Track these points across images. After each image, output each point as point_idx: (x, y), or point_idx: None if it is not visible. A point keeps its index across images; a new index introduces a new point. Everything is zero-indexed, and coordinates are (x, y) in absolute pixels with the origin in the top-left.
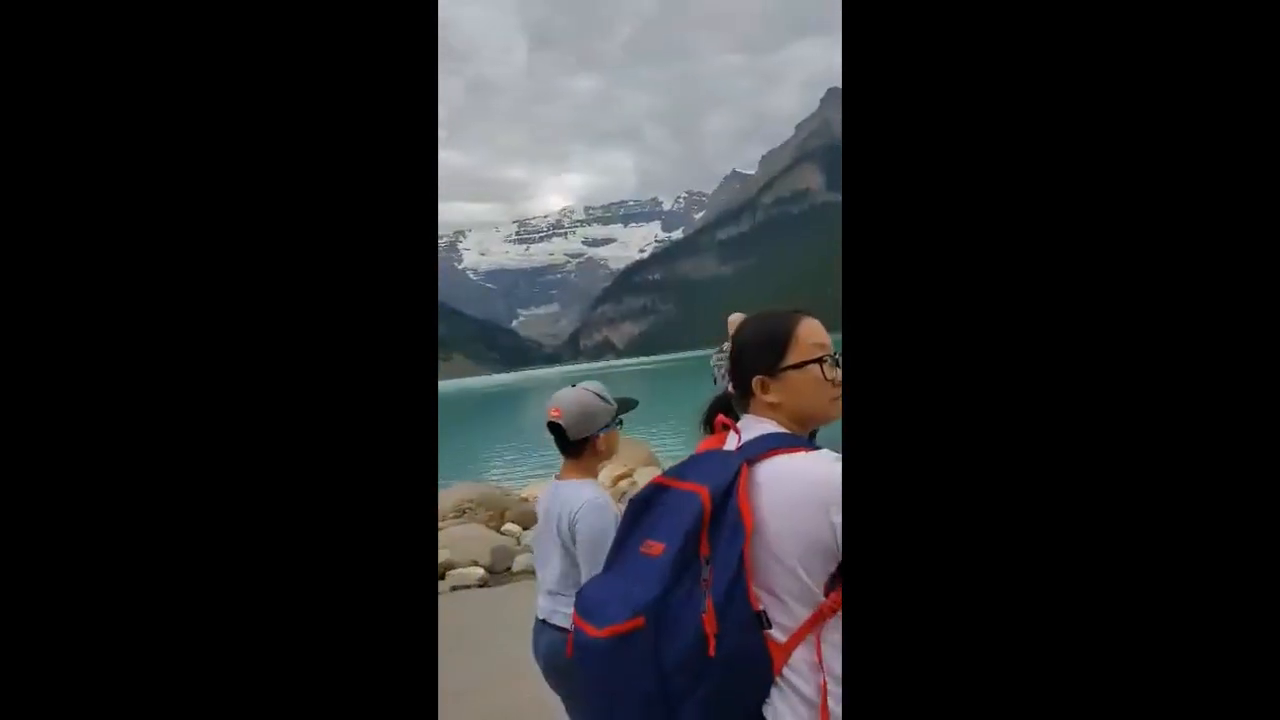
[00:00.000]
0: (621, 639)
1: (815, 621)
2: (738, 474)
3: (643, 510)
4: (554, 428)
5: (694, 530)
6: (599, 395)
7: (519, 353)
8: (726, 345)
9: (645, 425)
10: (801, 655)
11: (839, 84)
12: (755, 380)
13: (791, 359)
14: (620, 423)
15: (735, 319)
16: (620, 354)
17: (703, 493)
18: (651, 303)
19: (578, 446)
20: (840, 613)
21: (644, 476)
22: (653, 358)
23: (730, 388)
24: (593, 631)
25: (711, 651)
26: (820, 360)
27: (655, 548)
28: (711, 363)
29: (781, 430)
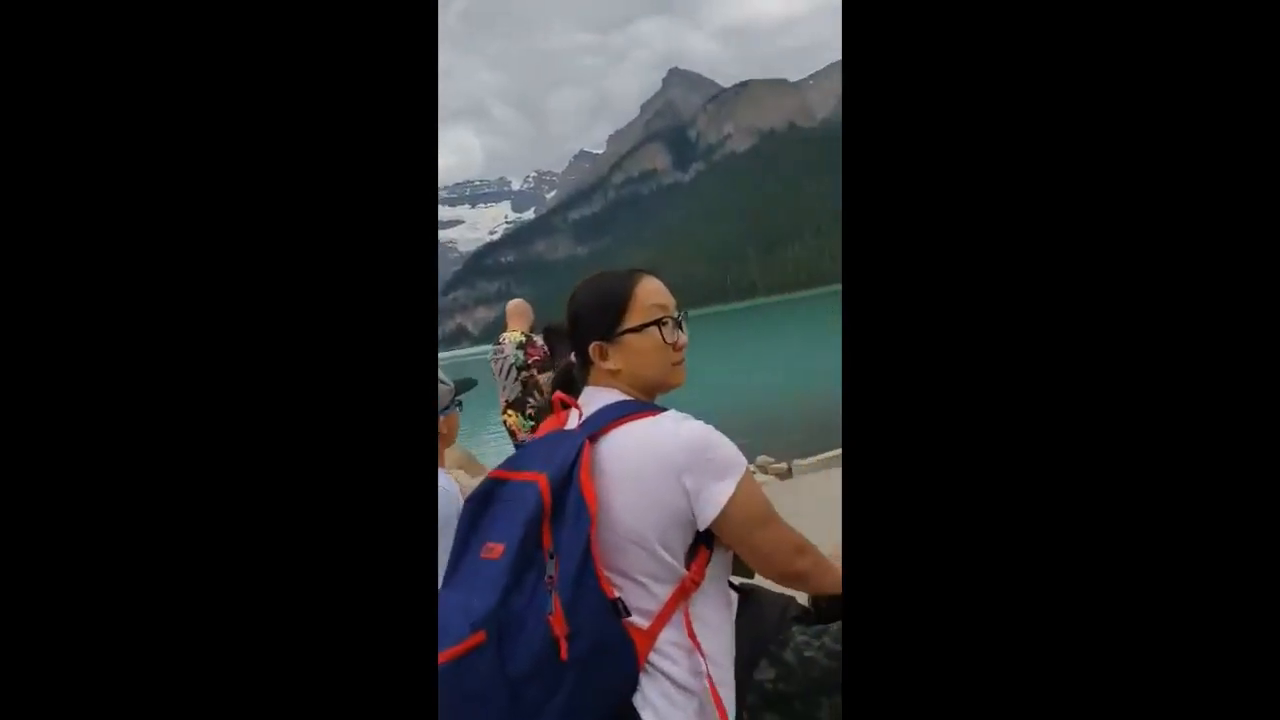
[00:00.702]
0: (461, 661)
1: (679, 598)
2: (579, 454)
3: (481, 509)
4: None
5: (534, 523)
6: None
7: None
8: (505, 337)
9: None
10: (669, 637)
11: (682, 64)
12: (593, 346)
13: (630, 322)
14: (460, 404)
15: (516, 306)
16: (476, 340)
17: (541, 480)
18: (506, 286)
19: None
20: (704, 585)
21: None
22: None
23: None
24: (440, 657)
25: (564, 655)
26: (660, 322)
27: (495, 550)
28: (489, 359)
29: (624, 398)
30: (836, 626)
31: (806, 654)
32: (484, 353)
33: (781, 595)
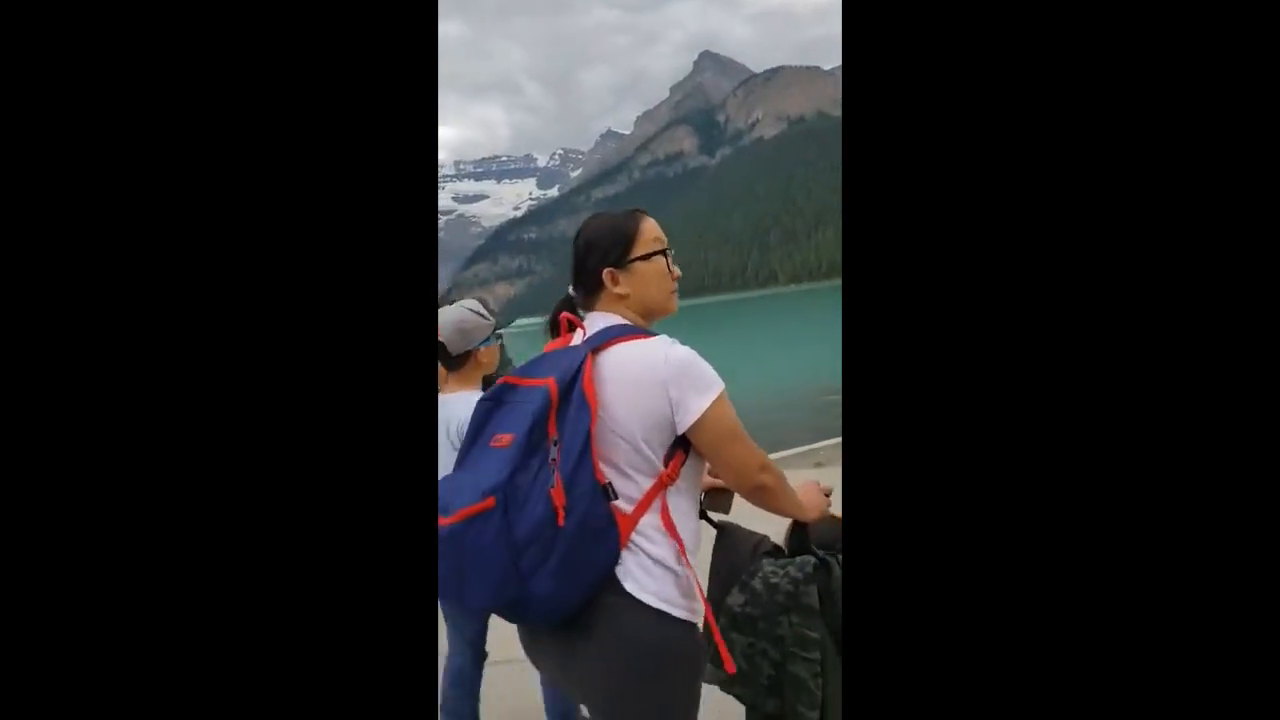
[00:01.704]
0: (472, 520)
1: (657, 490)
2: (583, 363)
3: (493, 409)
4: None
5: (542, 416)
6: (476, 312)
7: None
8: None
9: None
10: (649, 521)
11: (713, 47)
12: (606, 273)
13: (638, 251)
14: (499, 336)
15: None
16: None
17: (550, 383)
18: (527, 262)
19: (460, 360)
20: (679, 483)
21: None
22: (529, 320)
23: (571, 290)
24: (444, 521)
25: (561, 522)
26: (664, 252)
27: (504, 439)
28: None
29: (625, 322)
30: (801, 559)
31: (772, 581)
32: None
33: (753, 533)
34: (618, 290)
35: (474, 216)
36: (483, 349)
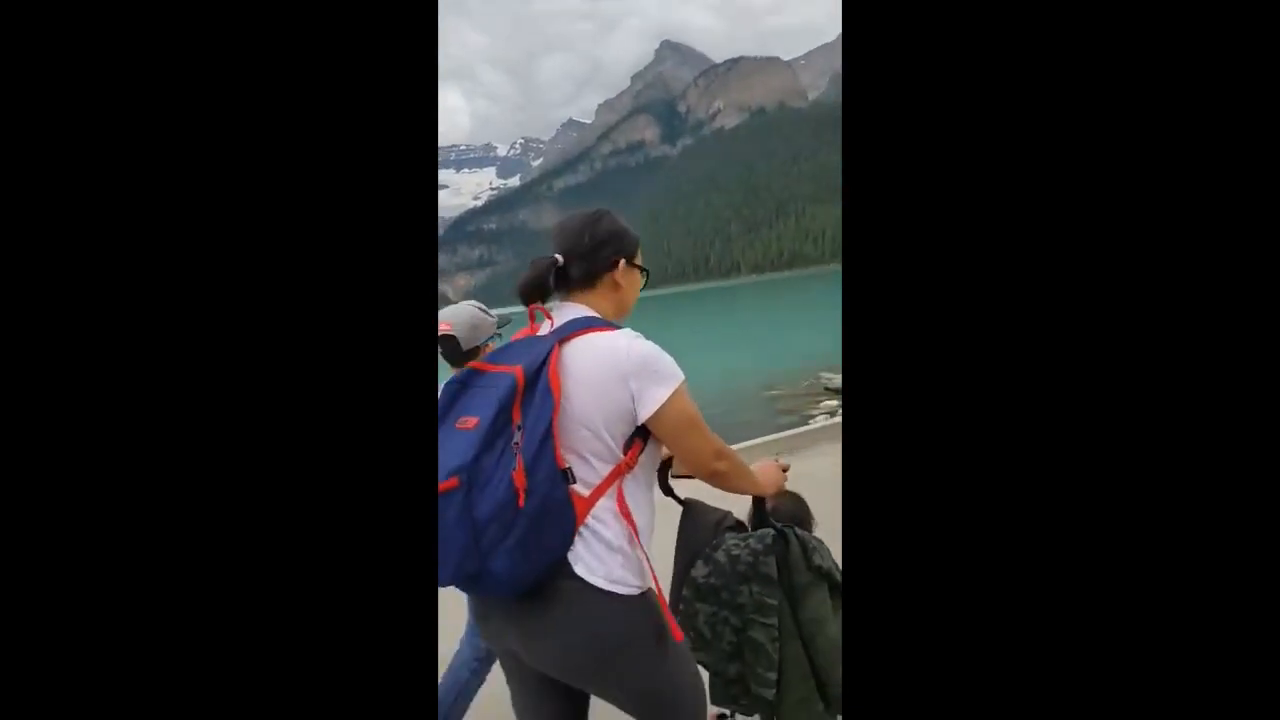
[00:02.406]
0: (437, 499)
1: (615, 476)
2: (550, 352)
3: (459, 392)
4: (445, 341)
5: (508, 402)
6: (482, 309)
7: None
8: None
9: None
10: (604, 505)
11: (674, 36)
12: (621, 262)
13: (639, 257)
14: (501, 336)
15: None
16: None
17: (517, 370)
18: (488, 253)
19: (468, 355)
20: (636, 470)
21: None
22: (494, 310)
23: (542, 280)
24: None
25: (521, 503)
26: (644, 270)
27: (470, 422)
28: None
29: (593, 315)
30: (760, 531)
31: (734, 553)
32: None
33: (717, 510)
34: (616, 278)
35: None
36: (487, 344)
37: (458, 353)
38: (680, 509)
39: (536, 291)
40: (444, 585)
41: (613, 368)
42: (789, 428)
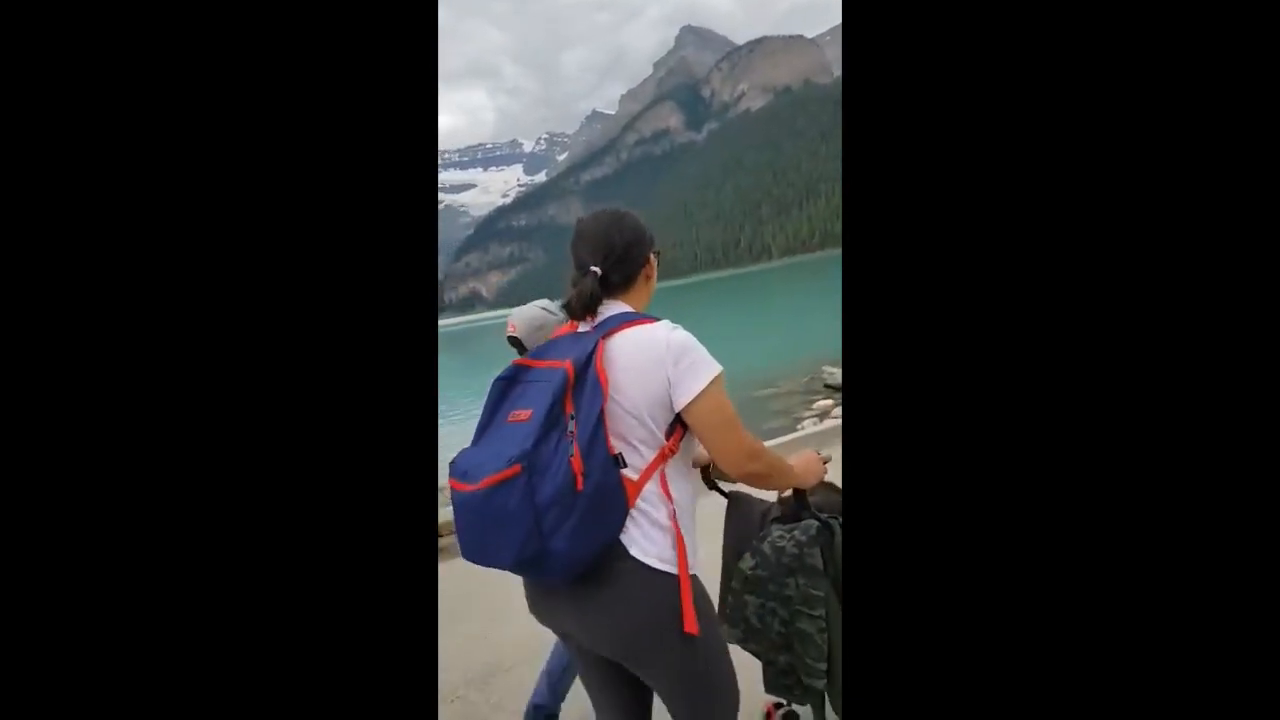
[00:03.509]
0: (498, 486)
1: (660, 460)
2: (595, 347)
3: (507, 388)
4: (512, 341)
5: (560, 394)
6: (546, 309)
7: None
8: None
9: None
10: (651, 488)
11: (695, 21)
12: (653, 257)
13: (655, 246)
14: None
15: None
16: (490, 305)
17: (567, 365)
18: (519, 250)
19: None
20: (677, 455)
21: None
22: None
23: (585, 287)
24: (470, 487)
25: (579, 486)
26: (659, 252)
27: (523, 415)
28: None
29: (630, 310)
30: (805, 523)
31: (779, 544)
32: (497, 318)
33: (762, 501)
34: (650, 273)
35: (462, 206)
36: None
37: (525, 352)
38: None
39: (587, 307)
40: (504, 569)
41: (653, 358)
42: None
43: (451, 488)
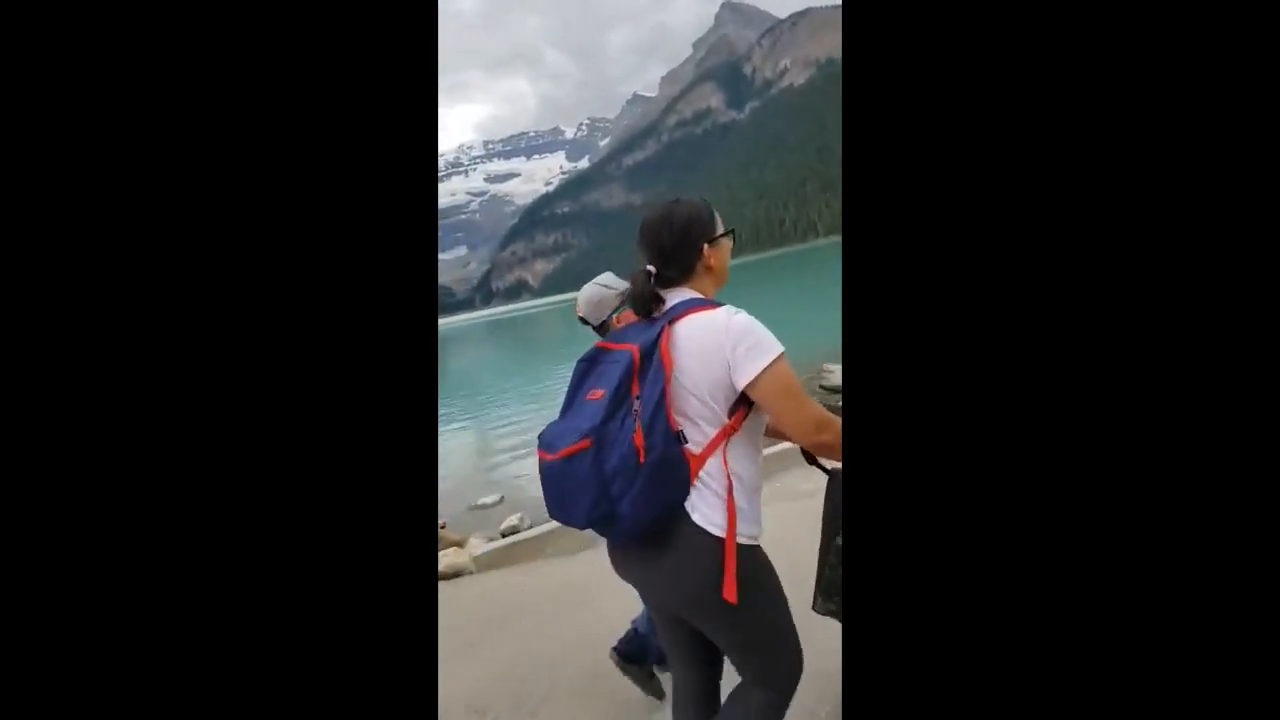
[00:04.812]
0: (572, 457)
1: (721, 438)
2: (661, 332)
3: (589, 368)
4: (583, 320)
5: (626, 376)
6: (603, 285)
7: None
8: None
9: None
10: (714, 462)
11: None
12: (706, 246)
13: (719, 229)
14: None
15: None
16: (536, 294)
17: (634, 349)
18: (563, 237)
19: (603, 329)
20: (740, 434)
21: None
22: (571, 294)
23: (651, 276)
24: (551, 457)
25: (641, 459)
26: (731, 232)
27: (597, 394)
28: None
29: (698, 296)
30: None
31: None
32: (543, 306)
33: None
34: (710, 262)
35: (507, 195)
36: (615, 317)
37: (594, 328)
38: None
39: (647, 304)
40: (578, 527)
41: (714, 341)
42: None
43: (538, 456)
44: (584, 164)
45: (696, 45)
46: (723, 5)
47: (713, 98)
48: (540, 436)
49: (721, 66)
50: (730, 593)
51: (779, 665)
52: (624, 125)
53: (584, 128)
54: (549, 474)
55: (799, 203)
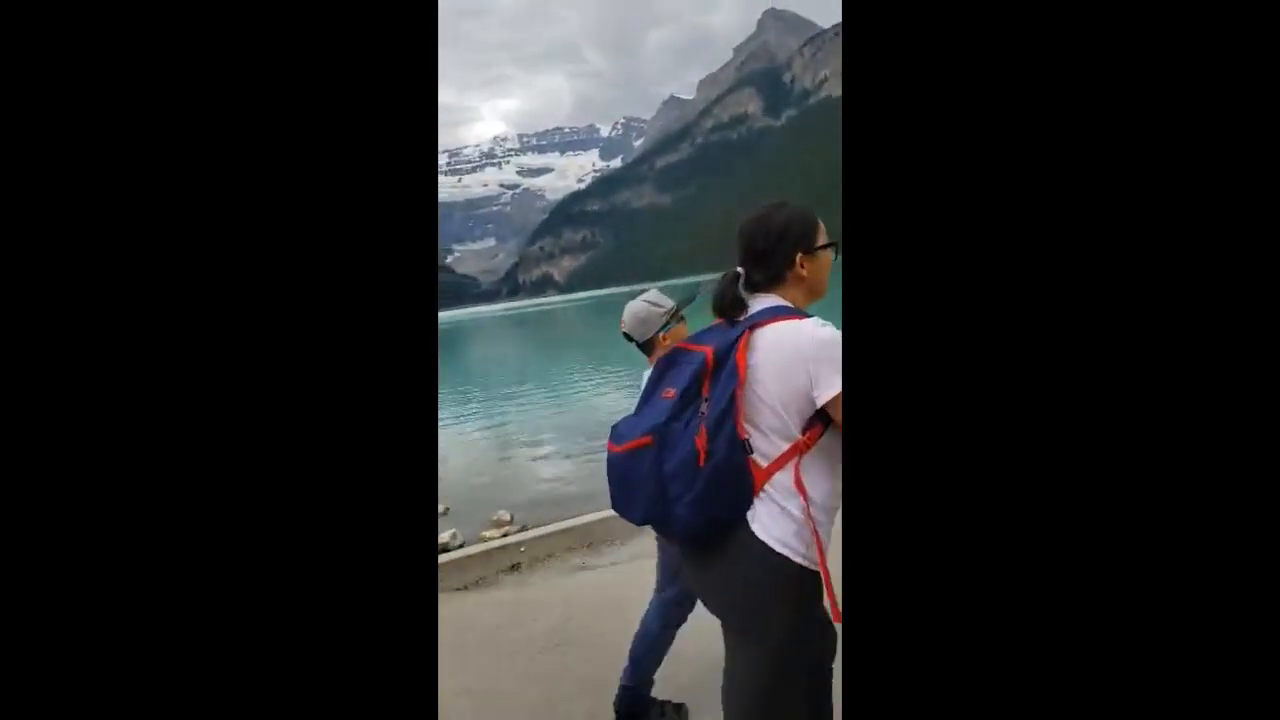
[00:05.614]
0: (632, 452)
1: (792, 453)
2: (739, 336)
3: (667, 368)
4: (625, 336)
5: (697, 376)
6: (651, 303)
7: (454, 290)
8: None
9: (595, 363)
10: (781, 478)
11: (778, 4)
12: (799, 256)
13: (820, 240)
14: (681, 318)
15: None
16: (561, 289)
17: (708, 351)
18: (591, 235)
19: (649, 345)
20: (814, 451)
21: None
22: (595, 292)
23: (741, 272)
24: (616, 449)
25: (701, 463)
26: (834, 245)
27: (669, 393)
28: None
29: (785, 304)
30: None
31: None
32: (570, 301)
33: None
34: (802, 273)
35: (539, 190)
36: (661, 335)
37: (640, 345)
38: None
39: (729, 306)
40: (636, 523)
41: (794, 351)
42: None
43: (608, 448)
44: (617, 163)
45: (737, 50)
46: (766, 11)
47: (751, 104)
48: (613, 428)
49: (761, 73)
50: (837, 614)
51: (796, 685)
52: (659, 126)
53: (619, 127)
54: (612, 466)
55: (831, 213)
